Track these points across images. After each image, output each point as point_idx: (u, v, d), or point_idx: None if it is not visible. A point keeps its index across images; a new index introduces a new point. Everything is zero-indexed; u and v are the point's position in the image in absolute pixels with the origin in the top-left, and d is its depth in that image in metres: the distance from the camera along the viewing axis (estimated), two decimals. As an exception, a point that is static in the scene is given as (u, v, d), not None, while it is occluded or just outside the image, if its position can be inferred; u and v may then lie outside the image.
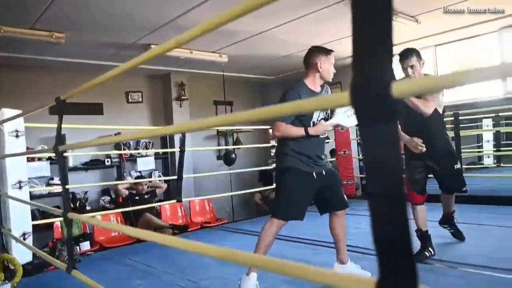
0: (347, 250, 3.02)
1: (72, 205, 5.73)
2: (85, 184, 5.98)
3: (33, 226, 3.56)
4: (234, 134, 7.81)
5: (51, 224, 4.85)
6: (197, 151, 7.16)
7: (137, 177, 6.43)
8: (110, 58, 5.61)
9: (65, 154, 5.12)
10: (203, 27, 1.14)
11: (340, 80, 6.61)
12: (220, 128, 7.36)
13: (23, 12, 3.88)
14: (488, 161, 8.46)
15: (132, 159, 6.69)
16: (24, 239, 3.31)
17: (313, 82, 2.83)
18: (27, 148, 4.20)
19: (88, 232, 5.19)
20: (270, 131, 6.20)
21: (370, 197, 0.63)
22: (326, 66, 2.78)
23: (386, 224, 0.62)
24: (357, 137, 6.53)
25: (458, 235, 3.69)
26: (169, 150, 6.71)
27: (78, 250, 4.62)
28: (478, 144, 8.88)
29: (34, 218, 4.13)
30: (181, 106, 7.17)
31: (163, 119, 7.23)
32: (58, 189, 4.97)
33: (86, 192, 6.11)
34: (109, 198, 6.28)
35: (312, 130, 2.74)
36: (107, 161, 6.38)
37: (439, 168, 3.34)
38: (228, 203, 7.42)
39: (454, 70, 0.58)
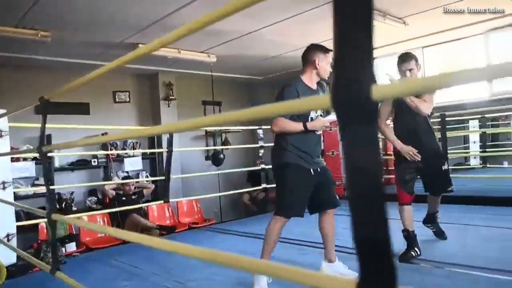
0: (335, 250, 3.03)
1: (58, 206, 5.67)
2: (71, 184, 5.92)
3: (18, 227, 3.51)
4: (223, 134, 7.79)
5: (37, 225, 4.79)
6: (185, 152, 7.14)
7: (124, 178, 6.38)
8: (97, 57, 5.56)
9: (50, 154, 5.10)
10: (189, 27, 1.14)
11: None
12: (209, 128, 7.34)
13: (8, 10, 3.82)
14: (475, 162, 8.56)
15: (119, 159, 6.64)
16: (8, 240, 3.27)
17: (309, 79, 2.88)
18: (12, 148, 4.15)
19: (74, 233, 5.14)
20: (259, 131, 6.22)
21: (350, 197, 0.63)
22: (324, 64, 2.84)
23: (366, 224, 0.62)
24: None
25: (440, 234, 3.77)
26: (156, 150, 6.67)
27: (64, 251, 4.57)
28: (465, 145, 8.98)
29: (19, 219, 4.08)
30: (169, 106, 7.13)
31: (150, 119, 7.18)
32: (44, 189, 4.90)
33: (72, 193, 6.04)
34: (95, 198, 6.22)
35: (310, 125, 2.79)
36: (94, 161, 6.33)
37: (428, 169, 3.40)
38: (216, 203, 7.40)
39: (440, 72, 0.58)
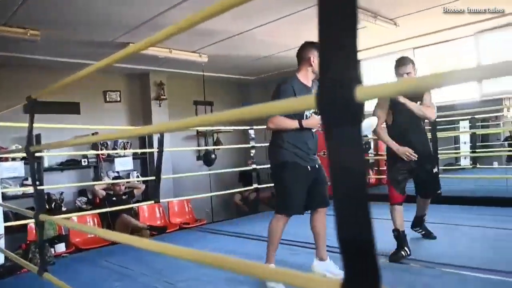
0: (328, 250, 3.04)
1: (47, 206, 5.63)
2: (61, 184, 5.87)
3: (6, 227, 3.48)
4: (214, 134, 7.78)
5: (25, 225, 4.74)
6: (176, 152, 7.11)
7: (114, 178, 6.33)
8: (87, 56, 5.50)
9: (40, 154, 5.04)
10: (178, 26, 1.13)
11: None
12: (200, 128, 7.32)
13: (-3, 8, 3.79)
14: (465, 162, 8.61)
15: (110, 159, 6.59)
16: (-4, 241, 3.23)
17: (305, 76, 2.90)
18: (0, 147, 4.11)
19: (64, 233, 5.10)
20: (251, 132, 6.21)
21: (334, 198, 0.63)
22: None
23: (350, 225, 0.62)
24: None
25: (429, 235, 3.82)
26: (147, 150, 6.64)
27: (53, 252, 4.53)
28: (455, 146, 9.04)
29: (7, 219, 4.05)
30: (160, 106, 7.10)
31: (141, 119, 7.14)
32: (33, 189, 4.86)
33: (62, 193, 5.99)
34: (85, 199, 6.18)
35: (305, 123, 2.82)
36: (84, 161, 6.28)
37: (420, 171, 3.45)
38: (207, 204, 7.38)
39: (430, 73, 0.58)
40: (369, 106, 5.01)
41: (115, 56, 1.46)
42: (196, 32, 4.68)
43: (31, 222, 4.56)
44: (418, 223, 3.83)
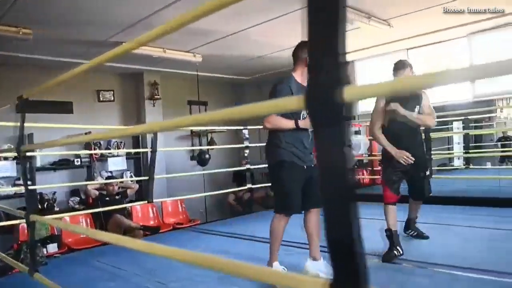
0: (321, 251, 3.04)
1: (40, 206, 5.59)
2: (53, 184, 5.83)
3: (-3, 227, 3.45)
4: (208, 134, 7.76)
5: (17, 225, 4.71)
6: (170, 151, 7.09)
7: (107, 178, 6.31)
8: (80, 56, 5.48)
9: (32, 153, 5.01)
10: (170, 25, 1.13)
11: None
12: (194, 128, 7.30)
13: (-12, 7, 3.76)
14: (458, 163, 8.65)
15: (103, 159, 6.57)
16: (-13, 241, 3.21)
17: (301, 76, 2.91)
18: (-9, 147, 4.08)
19: (56, 233, 5.07)
20: (245, 132, 6.21)
21: (322, 198, 0.63)
22: None
23: (338, 225, 0.62)
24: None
25: (422, 235, 3.84)
26: (141, 150, 6.61)
27: (45, 252, 4.50)
28: (449, 146, 9.08)
29: (-2, 219, 4.01)
30: (154, 106, 7.08)
31: (135, 119, 7.11)
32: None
33: (54, 193, 5.95)
34: (78, 199, 6.14)
35: (301, 123, 2.83)
36: (77, 161, 6.24)
37: (414, 173, 3.50)
38: (201, 204, 7.37)
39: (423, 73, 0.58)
40: (366, 106, 5.02)
41: (107, 55, 1.46)
42: (190, 32, 4.67)
43: (23, 222, 4.53)
44: (410, 225, 3.87)
